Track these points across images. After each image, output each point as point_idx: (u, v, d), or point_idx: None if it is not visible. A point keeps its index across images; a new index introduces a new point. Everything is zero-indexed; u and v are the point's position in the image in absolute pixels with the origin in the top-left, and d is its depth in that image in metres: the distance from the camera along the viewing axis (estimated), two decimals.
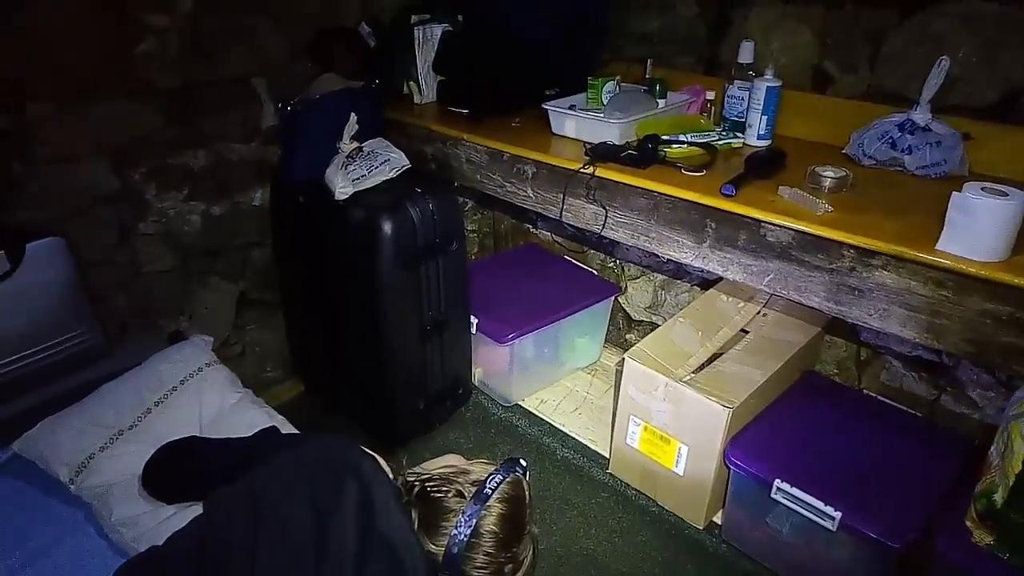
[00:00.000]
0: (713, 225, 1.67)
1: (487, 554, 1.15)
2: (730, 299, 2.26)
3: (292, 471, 1.17)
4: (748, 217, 1.57)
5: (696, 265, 1.73)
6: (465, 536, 1.14)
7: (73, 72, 1.79)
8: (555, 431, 2.39)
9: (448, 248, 2.08)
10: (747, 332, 2.14)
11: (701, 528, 2.01)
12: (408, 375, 2.18)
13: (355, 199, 1.94)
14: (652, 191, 1.70)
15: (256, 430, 1.42)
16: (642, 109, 1.93)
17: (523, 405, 2.51)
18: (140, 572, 1.07)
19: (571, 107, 2.00)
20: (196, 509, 1.18)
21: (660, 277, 2.57)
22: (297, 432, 1.51)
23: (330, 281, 2.14)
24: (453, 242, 2.09)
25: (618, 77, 2.06)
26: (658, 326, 2.18)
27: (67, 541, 1.39)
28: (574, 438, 2.35)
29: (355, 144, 1.99)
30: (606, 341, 2.74)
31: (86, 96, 1.82)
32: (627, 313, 2.73)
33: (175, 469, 1.33)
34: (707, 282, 2.42)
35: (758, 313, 2.20)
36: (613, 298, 2.61)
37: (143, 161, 1.97)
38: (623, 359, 2.02)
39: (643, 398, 1.98)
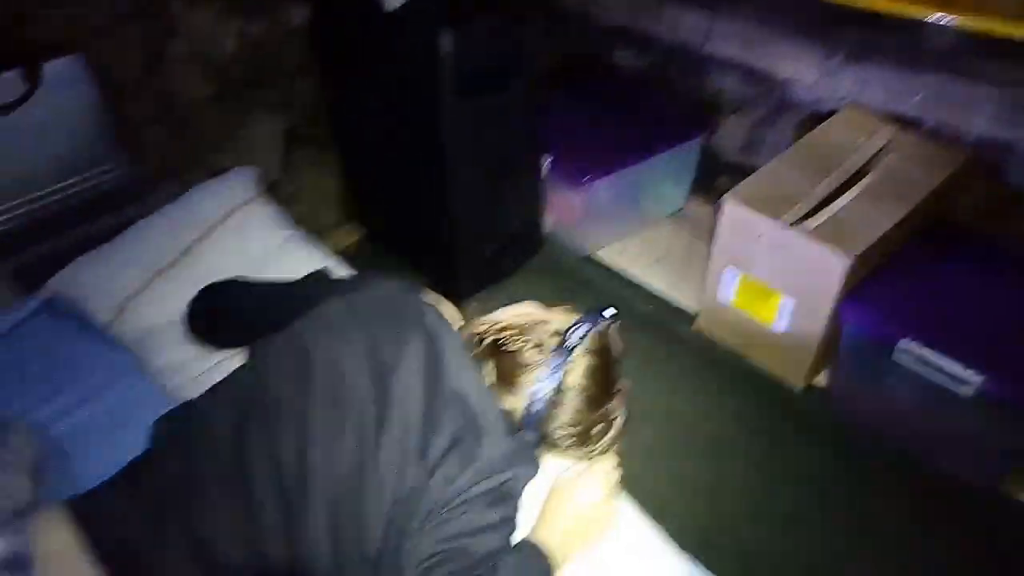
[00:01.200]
0: (853, 30, 1.34)
1: (574, 411, 0.98)
2: (845, 135, 1.92)
3: (347, 321, 1.00)
4: (903, 17, 1.23)
5: (820, 86, 1.42)
6: (548, 392, 0.96)
7: None
8: (634, 284, 2.18)
9: (518, 73, 1.79)
10: (867, 172, 1.83)
11: (800, 390, 1.81)
12: (473, 219, 1.97)
13: (409, 10, 1.64)
14: None
15: (306, 272, 1.26)
16: None
17: (599, 256, 2.29)
18: (178, 428, 0.94)
19: None
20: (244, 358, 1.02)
21: (760, 111, 2.22)
22: (352, 275, 1.34)
23: (384, 112, 1.90)
24: (524, 67, 1.80)
25: None
26: (754, 170, 1.88)
27: (116, 385, 1.29)
28: (656, 292, 2.14)
29: None
30: (692, 187, 2.45)
31: None
32: (717, 155, 2.41)
33: (219, 313, 1.18)
34: (817, 116, 2.06)
35: (881, 150, 1.86)
36: (702, 138, 2.30)
37: None
38: (719, 203, 1.75)
39: (742, 246, 1.74)
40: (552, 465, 1.05)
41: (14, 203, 1.52)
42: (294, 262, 1.39)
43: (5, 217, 1.52)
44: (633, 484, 1.60)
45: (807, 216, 1.68)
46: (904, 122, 1.84)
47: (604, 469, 1.04)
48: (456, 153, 1.79)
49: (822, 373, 1.82)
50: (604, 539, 1.02)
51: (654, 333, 2.02)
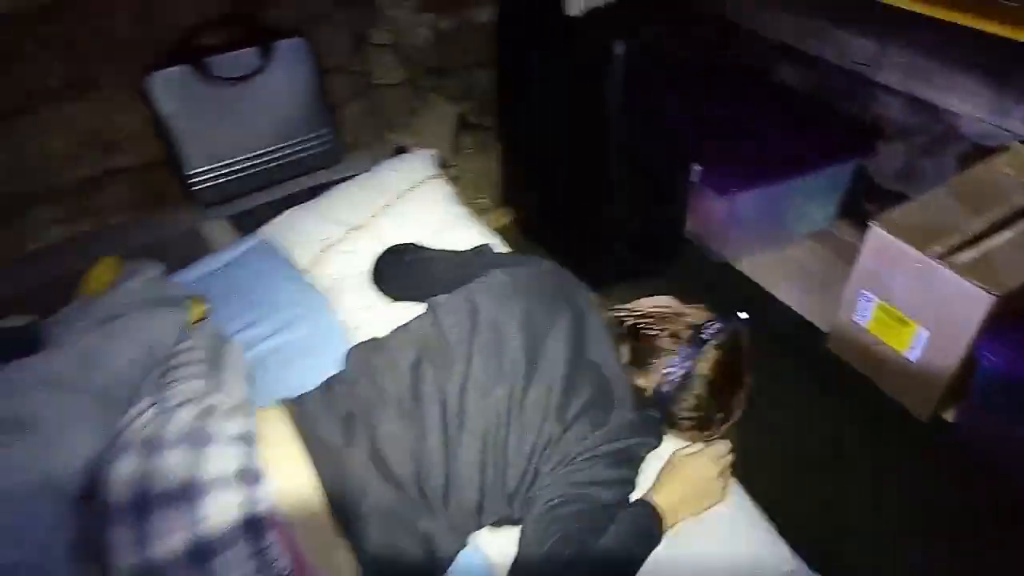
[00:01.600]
0: None
1: (699, 398, 1.10)
2: (1010, 173, 1.87)
3: (510, 290, 1.17)
4: None
5: (989, 121, 1.43)
6: (677, 378, 1.09)
7: None
8: (769, 298, 2.22)
9: (682, 82, 1.89)
10: None
11: (926, 422, 1.81)
12: (622, 218, 2.09)
13: (590, 16, 1.78)
14: (950, 23, 1.39)
15: (472, 246, 1.44)
16: None
17: (738, 266, 2.34)
18: (370, 355, 1.13)
19: None
20: (419, 309, 1.21)
21: (921, 139, 2.19)
22: (512, 252, 1.51)
23: (552, 108, 2.05)
24: (689, 77, 1.89)
25: None
26: (907, 199, 1.87)
27: (307, 320, 1.50)
28: (790, 308, 2.18)
29: None
30: (840, 209, 2.44)
31: None
32: (871, 179, 2.39)
33: (400, 269, 1.39)
34: (981, 151, 2.01)
35: None
36: (857, 161, 2.29)
37: None
38: (868, 226, 1.77)
39: (884, 273, 1.75)
40: (672, 442, 1.17)
41: (241, 158, 1.82)
42: (462, 236, 1.58)
43: (234, 170, 1.82)
44: (748, 486, 1.67)
45: (956, 250, 1.67)
46: None
47: (719, 451, 1.15)
48: (617, 153, 1.92)
49: (951, 408, 1.80)
50: (711, 511, 1.12)
51: (784, 347, 2.05)
